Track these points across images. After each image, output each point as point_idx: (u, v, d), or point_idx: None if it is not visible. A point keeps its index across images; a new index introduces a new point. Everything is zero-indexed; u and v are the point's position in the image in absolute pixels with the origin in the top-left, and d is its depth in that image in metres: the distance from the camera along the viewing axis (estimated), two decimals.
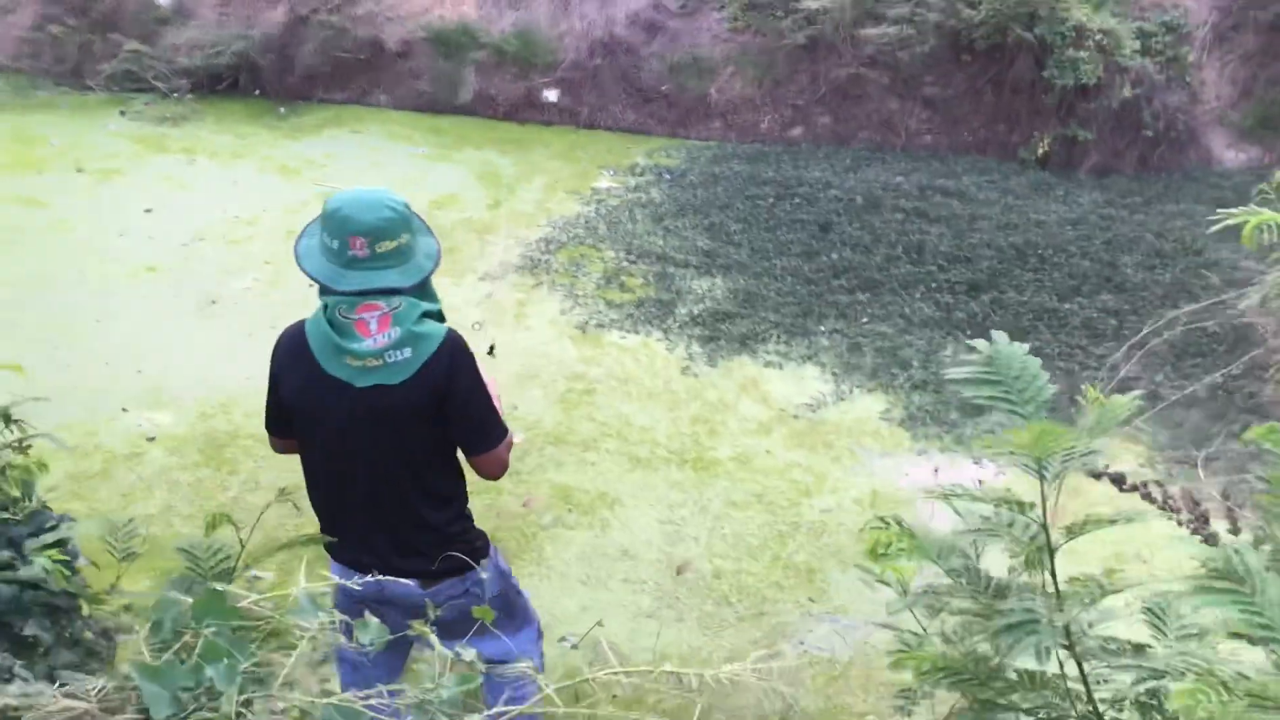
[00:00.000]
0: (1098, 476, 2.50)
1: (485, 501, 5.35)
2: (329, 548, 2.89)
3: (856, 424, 6.40)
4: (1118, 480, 2.55)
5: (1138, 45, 11.37)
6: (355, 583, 2.38)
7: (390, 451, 2.80)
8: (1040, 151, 11.37)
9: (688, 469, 5.86)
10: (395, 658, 3.13)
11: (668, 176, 10.49)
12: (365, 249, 2.72)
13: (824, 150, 11.47)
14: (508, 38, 12.24)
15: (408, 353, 2.71)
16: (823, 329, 7.50)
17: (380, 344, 2.69)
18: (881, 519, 2.40)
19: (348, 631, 2.87)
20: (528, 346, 7.07)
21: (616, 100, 12.12)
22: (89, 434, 5.76)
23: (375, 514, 2.86)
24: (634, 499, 5.57)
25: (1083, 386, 2.20)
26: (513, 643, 3.02)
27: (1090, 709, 1.96)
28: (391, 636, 3.11)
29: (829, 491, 5.76)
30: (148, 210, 8.68)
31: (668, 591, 4.98)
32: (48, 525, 2.29)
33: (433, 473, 2.89)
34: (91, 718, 1.51)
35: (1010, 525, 2.12)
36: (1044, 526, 1.99)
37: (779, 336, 7.35)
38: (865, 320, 7.66)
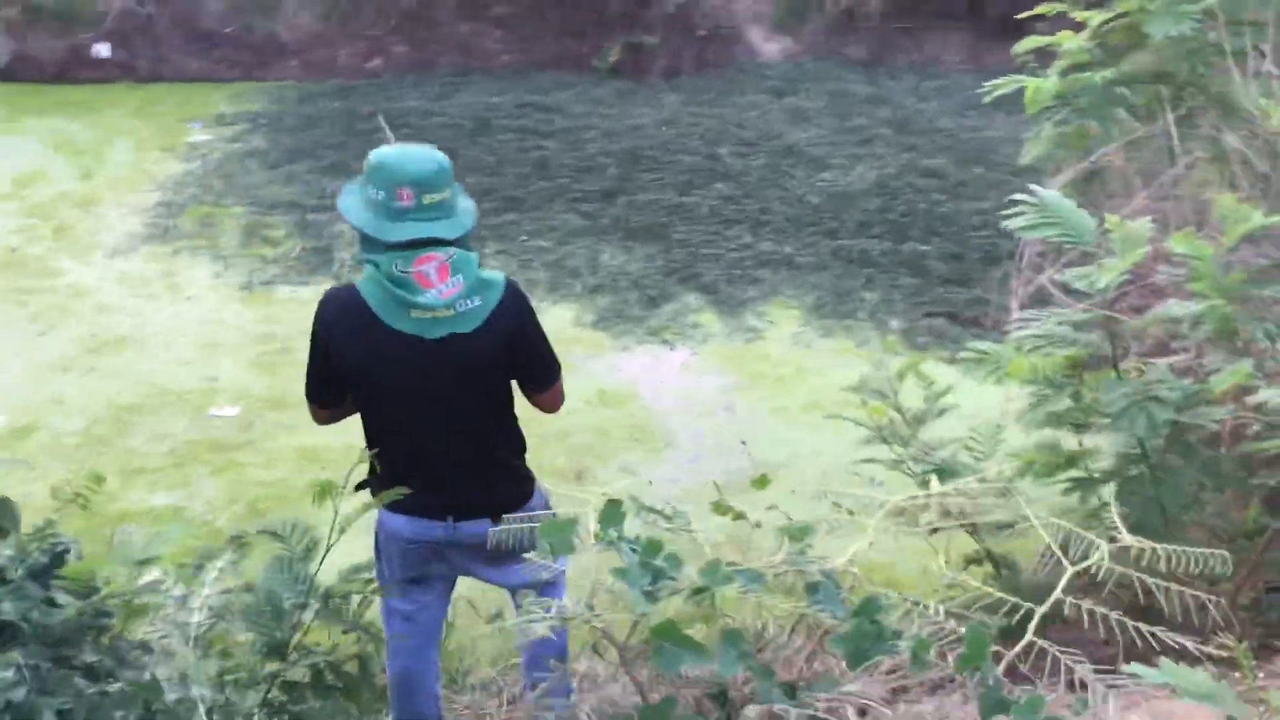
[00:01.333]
0: None
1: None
2: (390, 502, 2.79)
3: (555, 333, 6.65)
4: None
5: None
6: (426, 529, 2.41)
7: (466, 397, 2.78)
8: (611, 60, 12.03)
9: None
10: (445, 603, 3.14)
11: (263, 122, 10.05)
12: (412, 199, 2.67)
13: (410, 80, 11.45)
14: None
15: (477, 301, 2.70)
16: (488, 251, 7.67)
17: (447, 294, 2.66)
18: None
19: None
20: (199, 316, 6.68)
21: (178, 49, 11.34)
22: None
23: (453, 458, 2.82)
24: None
25: None
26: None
27: None
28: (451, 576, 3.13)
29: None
30: None
31: None
32: (59, 550, 2.10)
33: (501, 413, 2.88)
34: None
35: None
36: None
37: None
38: (524, 238, 7.93)
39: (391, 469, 2.83)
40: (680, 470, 5.44)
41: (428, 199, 2.69)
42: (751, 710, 1.73)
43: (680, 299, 7.16)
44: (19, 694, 1.73)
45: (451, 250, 2.70)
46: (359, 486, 2.87)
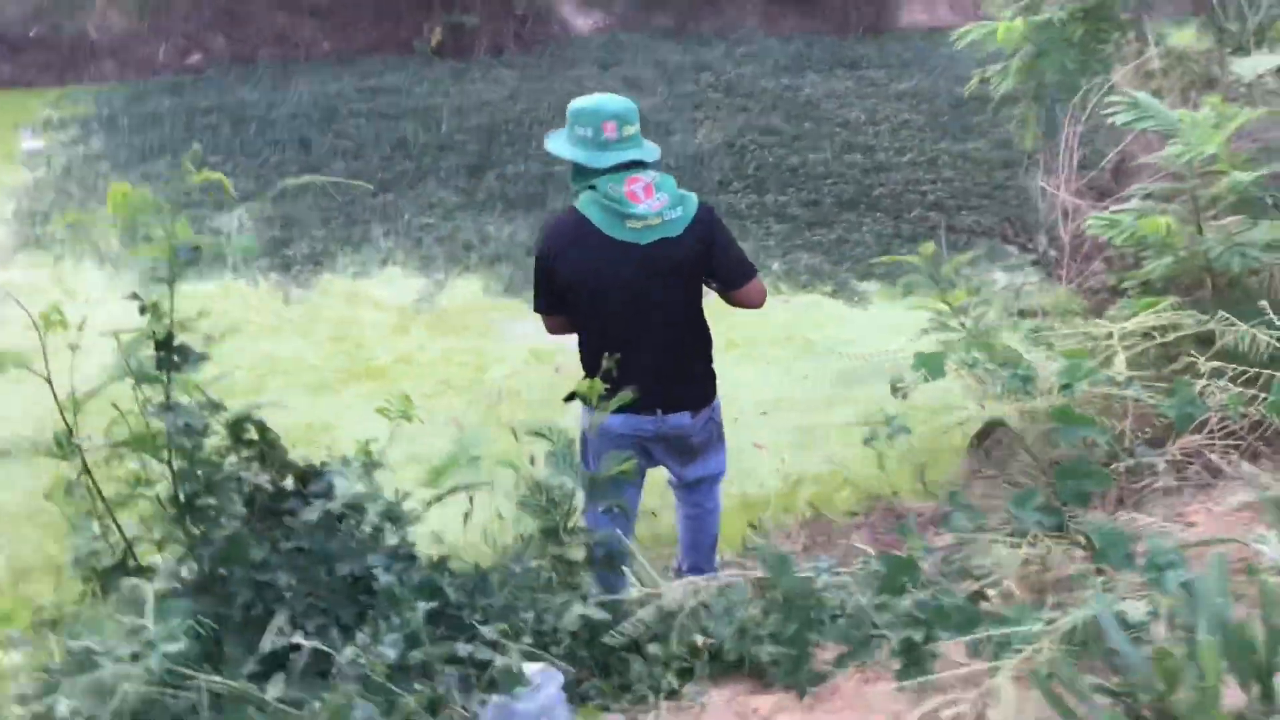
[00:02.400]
0: None
1: None
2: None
3: (472, 303, 7.00)
4: None
5: None
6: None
7: (676, 295, 3.33)
8: (435, 42, 12.20)
9: (365, 381, 6.11)
10: (639, 495, 3.65)
11: (96, 126, 9.79)
12: (615, 131, 3.27)
13: (234, 73, 11.31)
14: None
15: (679, 211, 3.27)
16: (376, 232, 7.86)
17: (655, 206, 3.21)
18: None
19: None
20: (106, 324, 6.60)
21: None
22: None
23: (665, 355, 3.27)
24: (344, 421, 5.73)
25: None
26: (719, 459, 3.69)
27: None
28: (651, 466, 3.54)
29: (496, 361, 6.37)
30: None
31: None
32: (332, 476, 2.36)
33: (699, 311, 3.42)
34: None
35: None
36: None
37: (344, 250, 7.60)
38: (407, 217, 8.14)
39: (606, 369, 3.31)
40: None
41: (626, 131, 3.31)
42: None
43: None
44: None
45: (652, 172, 3.20)
46: (568, 398, 3.28)
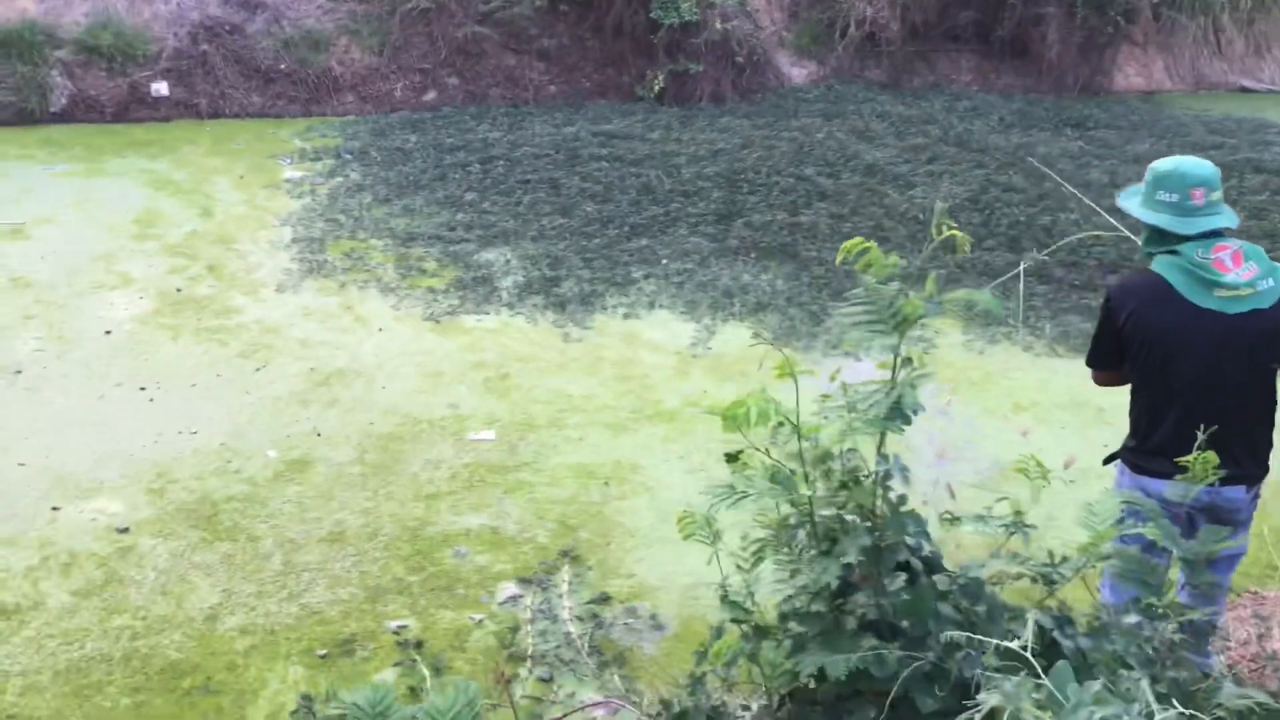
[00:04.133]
0: None
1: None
2: (1140, 466, 3.34)
3: (745, 350, 7.01)
4: None
5: None
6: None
7: (1256, 366, 3.30)
8: (656, 89, 12.40)
9: (660, 423, 6.16)
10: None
11: (348, 156, 10.16)
12: (1203, 198, 3.27)
13: (470, 111, 11.66)
14: (92, 30, 10.95)
15: (1271, 282, 3.24)
16: (636, 275, 7.96)
17: (1245, 275, 3.21)
18: None
19: (1148, 545, 3.20)
20: (403, 348, 6.82)
21: (236, 85, 11.34)
22: (40, 539, 4.85)
23: (1232, 425, 3.20)
24: (648, 461, 5.78)
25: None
26: (1246, 538, 3.59)
27: None
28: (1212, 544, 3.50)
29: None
30: None
31: None
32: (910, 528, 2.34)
33: (1274, 386, 3.39)
34: None
35: None
36: None
37: (608, 290, 7.70)
38: (664, 261, 8.23)
39: (1164, 434, 3.31)
40: (928, 471, 5.80)
41: (1213, 196, 3.30)
42: None
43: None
44: None
45: (1239, 240, 3.20)
46: (1108, 460, 3.24)
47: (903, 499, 2.15)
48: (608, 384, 6.54)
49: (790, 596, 2.05)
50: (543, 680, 4.28)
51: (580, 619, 4.60)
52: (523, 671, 4.28)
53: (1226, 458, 3.29)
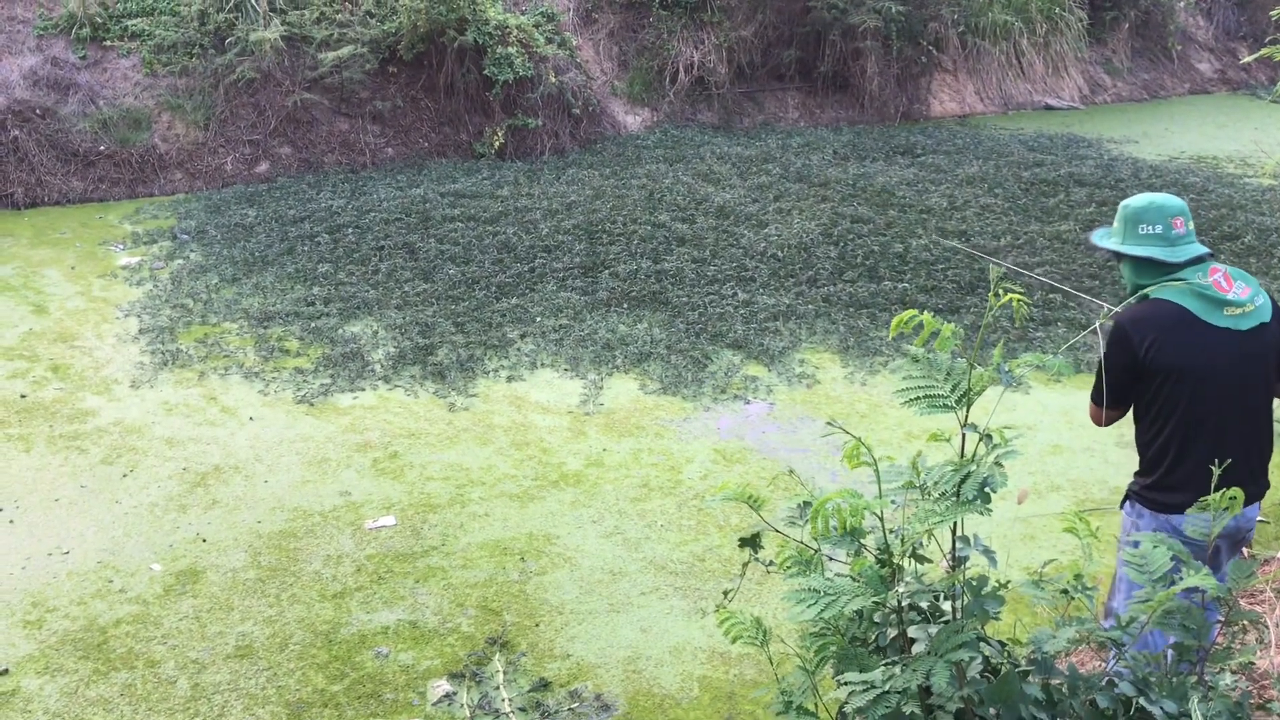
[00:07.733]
0: None
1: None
2: (1158, 501, 3.34)
3: (634, 405, 6.90)
4: None
5: (540, 37, 12.68)
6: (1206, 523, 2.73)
7: (1268, 379, 3.37)
8: (496, 145, 12.26)
9: (566, 488, 5.97)
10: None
11: (185, 237, 9.66)
12: (1184, 226, 3.37)
13: (307, 180, 11.27)
14: None
15: (1263, 298, 3.36)
16: (513, 335, 7.77)
17: (1242, 294, 3.30)
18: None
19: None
20: (279, 435, 6.44)
21: (53, 171, 10.68)
22: None
23: (1252, 442, 3.30)
24: (561, 530, 5.58)
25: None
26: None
27: None
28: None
29: (685, 462, 6.25)
30: None
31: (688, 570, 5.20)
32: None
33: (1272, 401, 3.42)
34: None
35: None
36: None
37: (486, 354, 7.49)
38: (538, 318, 8.06)
39: (1194, 463, 3.32)
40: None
41: (1190, 225, 3.41)
42: None
43: (722, 357, 7.52)
44: None
45: (1221, 263, 3.34)
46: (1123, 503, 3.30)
47: (983, 580, 2.05)
48: (504, 452, 6.32)
49: (880, 697, 1.91)
50: None
51: (524, 710, 4.36)
52: None
53: (1248, 476, 3.41)
